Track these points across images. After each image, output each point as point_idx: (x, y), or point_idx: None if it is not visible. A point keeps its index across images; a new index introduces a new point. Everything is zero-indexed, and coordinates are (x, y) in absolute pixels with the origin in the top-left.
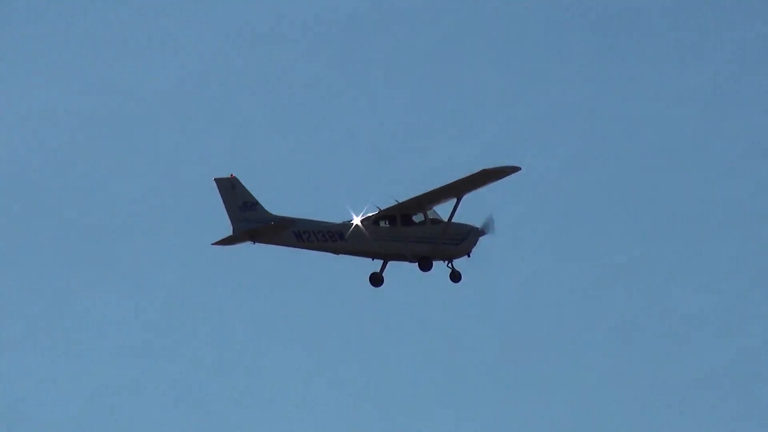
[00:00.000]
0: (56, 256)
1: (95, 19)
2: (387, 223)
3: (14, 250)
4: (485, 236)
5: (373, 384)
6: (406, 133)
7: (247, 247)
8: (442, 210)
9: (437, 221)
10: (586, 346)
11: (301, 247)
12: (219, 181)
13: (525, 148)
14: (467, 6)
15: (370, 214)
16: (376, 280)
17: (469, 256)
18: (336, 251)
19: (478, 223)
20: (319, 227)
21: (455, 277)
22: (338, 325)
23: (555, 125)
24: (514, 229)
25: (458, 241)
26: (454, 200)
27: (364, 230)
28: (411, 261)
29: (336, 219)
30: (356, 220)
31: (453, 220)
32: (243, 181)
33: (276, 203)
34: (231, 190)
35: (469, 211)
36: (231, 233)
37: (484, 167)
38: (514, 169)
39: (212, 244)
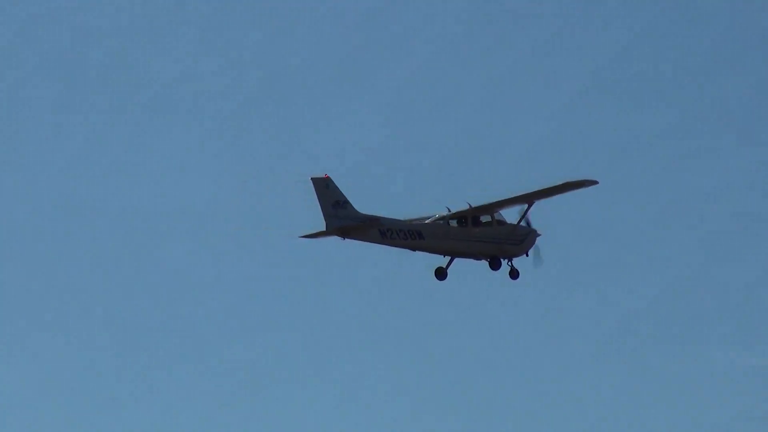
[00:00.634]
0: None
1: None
2: (459, 223)
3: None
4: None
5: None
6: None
7: (332, 241)
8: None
9: (502, 223)
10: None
11: (385, 244)
12: (315, 180)
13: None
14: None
15: (444, 215)
16: (441, 274)
17: (527, 255)
18: (414, 248)
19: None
20: (400, 226)
21: (514, 274)
22: (403, 313)
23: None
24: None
25: (519, 242)
26: (525, 204)
27: (440, 229)
28: (478, 259)
29: (413, 216)
30: (431, 220)
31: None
32: (335, 181)
33: (363, 202)
34: (325, 189)
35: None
36: (324, 228)
37: (567, 180)
38: (593, 183)
39: (300, 237)
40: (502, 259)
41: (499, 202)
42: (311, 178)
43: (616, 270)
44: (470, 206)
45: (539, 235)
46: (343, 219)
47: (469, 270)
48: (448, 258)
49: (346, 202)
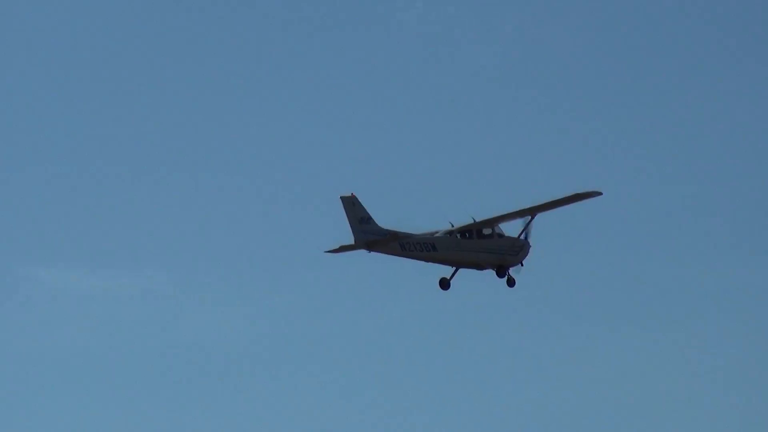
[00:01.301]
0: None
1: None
2: (464, 236)
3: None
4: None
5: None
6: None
7: (359, 253)
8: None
9: (501, 235)
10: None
11: (404, 256)
12: (343, 199)
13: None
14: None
15: (452, 228)
16: (445, 284)
17: (522, 265)
18: (428, 260)
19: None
20: (417, 239)
21: (511, 282)
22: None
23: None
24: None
25: (517, 252)
26: (528, 216)
27: (451, 242)
28: (481, 269)
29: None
30: (441, 233)
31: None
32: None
33: (383, 218)
34: (352, 207)
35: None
36: (353, 242)
37: (576, 191)
38: (597, 194)
39: (326, 251)
40: (505, 267)
41: (502, 215)
42: (340, 197)
43: (608, 280)
44: (474, 220)
45: (530, 246)
46: (368, 234)
47: (472, 279)
48: (452, 269)
49: (370, 218)
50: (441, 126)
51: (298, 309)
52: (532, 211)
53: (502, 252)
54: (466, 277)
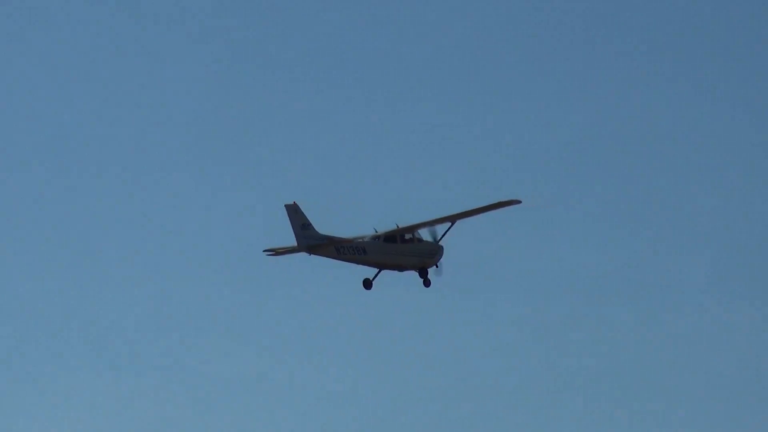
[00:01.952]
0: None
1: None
2: (388, 240)
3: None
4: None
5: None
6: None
7: (300, 256)
8: None
9: (420, 240)
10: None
11: (339, 259)
12: (287, 207)
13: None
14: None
15: (380, 234)
16: (368, 284)
17: (437, 266)
18: (359, 262)
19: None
20: (350, 244)
21: (427, 283)
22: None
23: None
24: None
25: (433, 255)
26: (449, 223)
27: (378, 246)
28: (402, 270)
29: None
30: (368, 238)
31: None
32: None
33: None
34: (294, 214)
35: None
36: (295, 245)
37: (500, 200)
38: (517, 202)
39: (266, 253)
40: (426, 270)
41: (424, 222)
42: (285, 205)
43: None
44: (398, 226)
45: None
46: (309, 239)
47: (393, 279)
48: (375, 271)
49: (309, 224)
50: (372, 139)
51: (239, 304)
52: (453, 219)
53: (422, 255)
54: (387, 278)
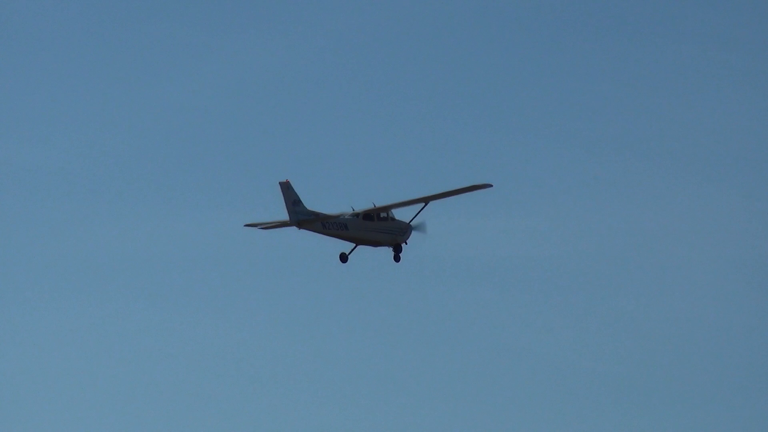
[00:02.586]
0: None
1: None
2: (366, 218)
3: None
4: (418, 233)
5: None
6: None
7: (290, 230)
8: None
9: (393, 218)
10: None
11: (323, 234)
12: (281, 184)
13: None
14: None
15: (358, 212)
16: (344, 258)
17: (406, 243)
18: (341, 237)
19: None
20: (333, 220)
21: (397, 258)
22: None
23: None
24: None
25: (404, 233)
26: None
27: (358, 223)
28: (376, 246)
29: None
30: (348, 215)
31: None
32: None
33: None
34: (287, 191)
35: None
36: (287, 220)
37: (474, 183)
38: (488, 186)
39: (260, 228)
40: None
41: (400, 202)
42: (279, 183)
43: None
44: (375, 206)
45: (413, 228)
46: (300, 214)
47: (367, 254)
48: (352, 246)
49: (299, 201)
50: (356, 123)
51: (229, 278)
52: (426, 200)
53: (395, 233)
54: (361, 253)
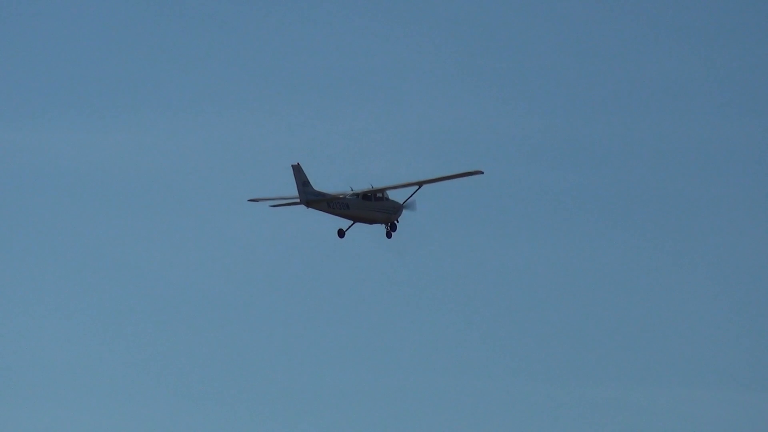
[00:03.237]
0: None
1: None
2: (365, 198)
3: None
4: (409, 211)
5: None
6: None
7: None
8: None
9: (388, 199)
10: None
11: (328, 212)
12: (293, 167)
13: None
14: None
15: (357, 192)
16: (341, 233)
17: (397, 222)
18: (343, 216)
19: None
20: (337, 200)
21: (389, 235)
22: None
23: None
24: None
25: (396, 212)
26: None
27: (359, 202)
28: (372, 223)
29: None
30: (348, 195)
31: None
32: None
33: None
34: (298, 173)
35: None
36: (293, 196)
37: (468, 170)
38: (478, 173)
39: (272, 205)
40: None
41: (395, 185)
42: (291, 165)
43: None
44: (372, 187)
45: (405, 207)
46: (309, 194)
47: (362, 230)
48: (350, 223)
49: (308, 182)
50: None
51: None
52: (420, 183)
53: (389, 212)
54: (358, 229)
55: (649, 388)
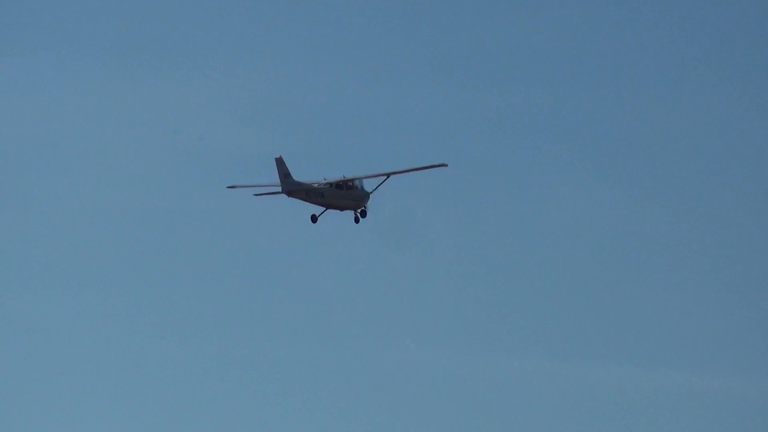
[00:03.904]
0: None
1: None
2: (338, 187)
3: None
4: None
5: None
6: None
7: (281, 196)
8: None
9: (356, 187)
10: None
11: (307, 201)
12: (276, 159)
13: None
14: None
15: (330, 181)
16: (314, 219)
17: (365, 208)
18: (317, 203)
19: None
20: (315, 190)
21: (357, 220)
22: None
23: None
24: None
25: (363, 199)
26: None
27: (332, 191)
28: (343, 210)
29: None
30: (322, 184)
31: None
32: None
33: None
34: (280, 165)
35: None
36: (275, 185)
37: (441, 163)
38: (443, 165)
39: (254, 195)
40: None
41: (366, 176)
42: (274, 158)
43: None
44: (344, 177)
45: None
46: (289, 185)
47: (335, 217)
48: (322, 209)
49: (289, 174)
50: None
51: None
52: (388, 174)
53: (358, 200)
54: (330, 216)
55: (633, 368)
